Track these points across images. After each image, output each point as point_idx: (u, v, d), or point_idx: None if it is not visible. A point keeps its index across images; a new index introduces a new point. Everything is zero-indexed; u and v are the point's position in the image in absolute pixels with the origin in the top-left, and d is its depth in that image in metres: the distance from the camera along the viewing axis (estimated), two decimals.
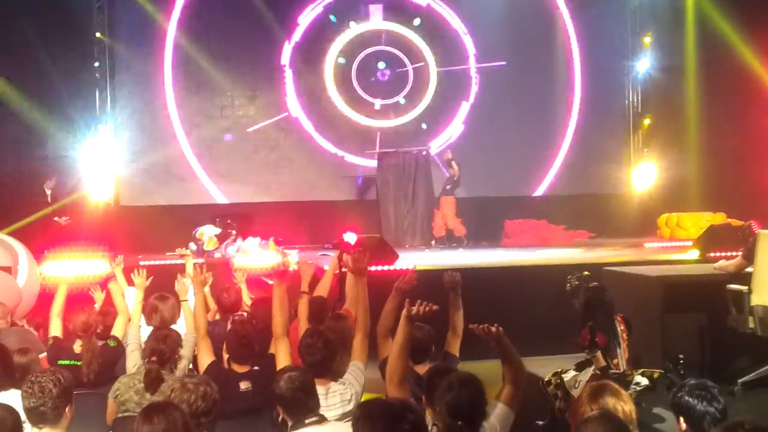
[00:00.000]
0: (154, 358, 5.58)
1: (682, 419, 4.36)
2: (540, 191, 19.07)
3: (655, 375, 6.76)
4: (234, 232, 15.03)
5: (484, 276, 12.36)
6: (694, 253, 12.96)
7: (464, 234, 17.03)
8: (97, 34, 17.12)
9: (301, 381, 4.57)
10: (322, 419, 4.57)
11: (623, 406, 4.17)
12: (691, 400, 4.32)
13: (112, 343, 6.51)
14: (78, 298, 7.43)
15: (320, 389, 4.88)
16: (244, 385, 5.63)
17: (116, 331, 6.68)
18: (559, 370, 6.99)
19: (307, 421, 4.50)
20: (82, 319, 6.45)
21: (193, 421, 3.89)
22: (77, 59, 16.71)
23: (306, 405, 4.55)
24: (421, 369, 5.76)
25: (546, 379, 6.95)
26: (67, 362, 6.16)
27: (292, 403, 4.55)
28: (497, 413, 4.52)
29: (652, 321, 7.98)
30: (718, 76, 17.42)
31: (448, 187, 17.23)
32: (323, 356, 5.22)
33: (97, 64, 17.24)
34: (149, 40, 17.57)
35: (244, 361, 5.80)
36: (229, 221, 15.42)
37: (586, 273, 8.80)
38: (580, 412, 4.22)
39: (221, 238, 14.93)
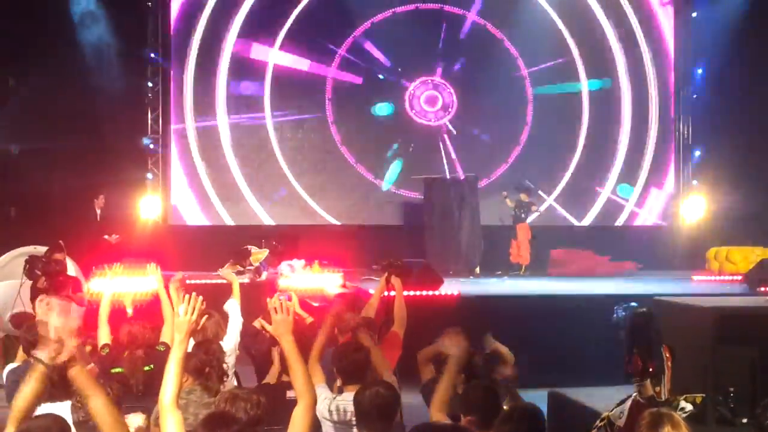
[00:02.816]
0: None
1: None
2: (587, 221, 18.91)
3: (698, 400, 6.64)
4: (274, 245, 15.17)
5: (531, 305, 12.32)
6: (744, 288, 12.78)
7: (527, 263, 16.96)
8: (151, 54, 17.33)
9: (384, 401, 4.56)
10: None
11: None
12: None
13: (161, 348, 6.50)
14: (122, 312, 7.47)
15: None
16: (291, 393, 5.61)
17: (165, 338, 6.69)
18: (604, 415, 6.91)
19: None
20: (127, 330, 6.48)
21: (249, 429, 3.88)
22: (130, 79, 16.94)
23: (376, 425, 4.54)
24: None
25: None
26: (117, 370, 6.18)
27: (365, 418, 4.56)
28: None
29: (702, 353, 7.82)
30: None
31: (523, 215, 17.17)
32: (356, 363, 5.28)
33: (150, 84, 17.45)
34: (202, 60, 17.77)
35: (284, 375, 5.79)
36: (274, 243, 15.49)
37: (633, 304, 8.69)
38: None
39: (237, 260, 15.06)
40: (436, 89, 18.85)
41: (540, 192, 17.34)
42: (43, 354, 3.68)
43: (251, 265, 15.02)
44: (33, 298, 9.60)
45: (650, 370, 6.61)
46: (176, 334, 4.18)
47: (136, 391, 6.18)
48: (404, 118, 18.75)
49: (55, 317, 3.70)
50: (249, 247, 15.29)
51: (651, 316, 7.14)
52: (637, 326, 6.93)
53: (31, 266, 9.83)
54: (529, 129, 18.85)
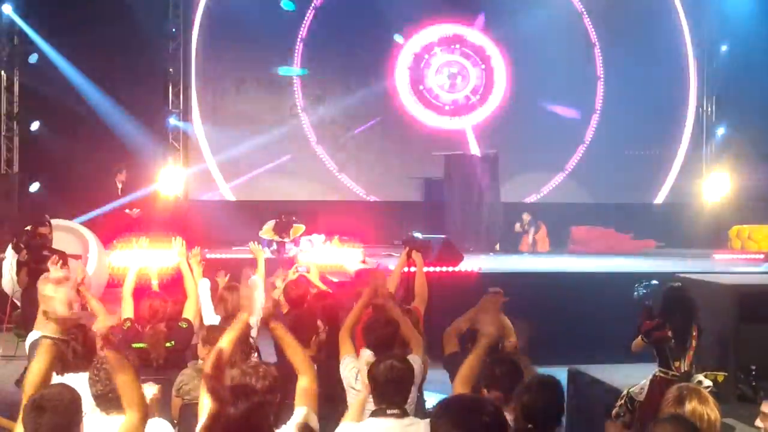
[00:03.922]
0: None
1: None
2: (607, 199, 18.81)
3: (720, 378, 6.63)
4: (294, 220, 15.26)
5: (551, 282, 12.30)
6: (766, 266, 12.71)
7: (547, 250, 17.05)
8: (173, 29, 17.32)
9: (399, 374, 4.58)
10: (404, 414, 4.55)
11: (709, 413, 4.05)
12: None
13: (183, 325, 6.53)
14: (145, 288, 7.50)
15: None
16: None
17: (187, 314, 6.72)
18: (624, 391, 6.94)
19: (388, 412, 4.51)
20: (148, 304, 6.51)
21: (267, 398, 3.90)
22: (152, 55, 16.93)
23: (393, 397, 4.55)
24: None
25: (614, 413, 6.88)
26: (139, 345, 6.22)
27: (381, 390, 4.57)
28: None
29: (725, 331, 7.80)
30: None
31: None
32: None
33: (171, 61, 17.45)
34: (221, 37, 17.73)
35: (306, 345, 5.81)
36: (282, 216, 15.53)
37: (654, 282, 8.67)
38: (662, 414, 4.10)
39: (278, 230, 15.13)
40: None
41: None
42: (48, 328, 3.76)
43: (289, 236, 15.12)
44: (18, 272, 9.74)
45: (657, 334, 6.61)
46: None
47: (156, 365, 6.23)
48: None
49: (51, 290, 3.78)
50: (294, 219, 15.42)
51: (684, 290, 7.14)
52: (670, 300, 6.91)
53: (17, 239, 9.96)
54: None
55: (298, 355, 4.27)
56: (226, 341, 4.23)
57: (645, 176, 18.88)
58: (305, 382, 4.20)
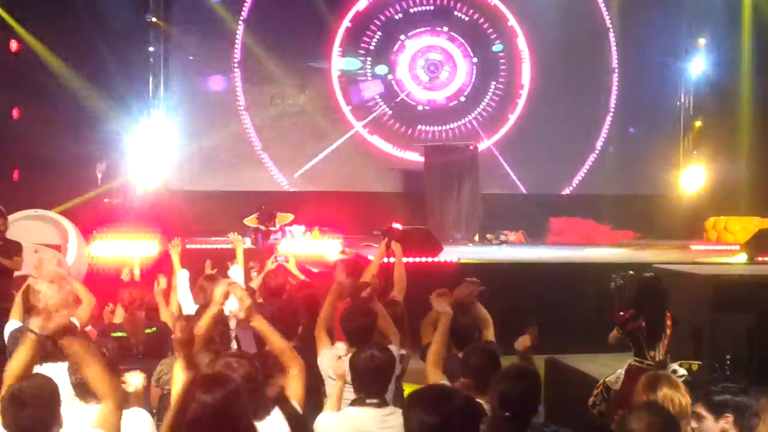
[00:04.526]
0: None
1: (731, 417, 4.25)
2: (582, 189, 18.92)
3: (694, 367, 6.74)
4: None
5: (529, 272, 12.37)
6: (742, 257, 12.84)
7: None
8: (153, 18, 17.25)
9: (379, 364, 4.63)
10: (383, 403, 4.60)
11: (680, 398, 4.15)
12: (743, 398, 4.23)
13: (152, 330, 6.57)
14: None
15: None
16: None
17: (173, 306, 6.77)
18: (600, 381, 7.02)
19: (368, 401, 4.56)
20: (127, 292, 6.55)
21: (246, 386, 3.92)
22: (132, 43, 16.87)
23: (373, 387, 4.61)
24: None
25: (591, 402, 6.96)
26: (119, 334, 6.25)
27: (361, 379, 4.62)
28: None
29: (700, 320, 7.91)
30: None
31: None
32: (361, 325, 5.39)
33: (151, 48, 17.40)
34: (204, 24, 17.68)
35: (288, 338, 5.84)
36: (263, 206, 15.54)
37: (631, 273, 8.77)
38: (634, 401, 4.18)
39: (261, 220, 15.16)
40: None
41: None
42: (34, 323, 3.74)
43: (274, 226, 15.12)
44: None
45: (632, 326, 6.70)
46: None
47: (136, 352, 6.26)
48: None
49: (45, 287, 3.76)
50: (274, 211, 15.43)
51: (658, 280, 7.24)
52: (643, 291, 7.00)
53: None
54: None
55: (281, 350, 4.30)
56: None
57: (624, 168, 18.97)
58: (294, 374, 4.22)
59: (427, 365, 5.02)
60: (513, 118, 18.89)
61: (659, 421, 3.53)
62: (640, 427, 3.48)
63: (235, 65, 18.10)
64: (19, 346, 3.84)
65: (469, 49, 18.87)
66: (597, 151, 19.17)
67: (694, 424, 4.15)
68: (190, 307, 7.14)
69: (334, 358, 5.43)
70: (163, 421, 3.87)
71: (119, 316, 6.69)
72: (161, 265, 7.44)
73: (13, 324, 6.02)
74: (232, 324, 6.57)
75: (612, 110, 19.21)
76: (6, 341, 5.88)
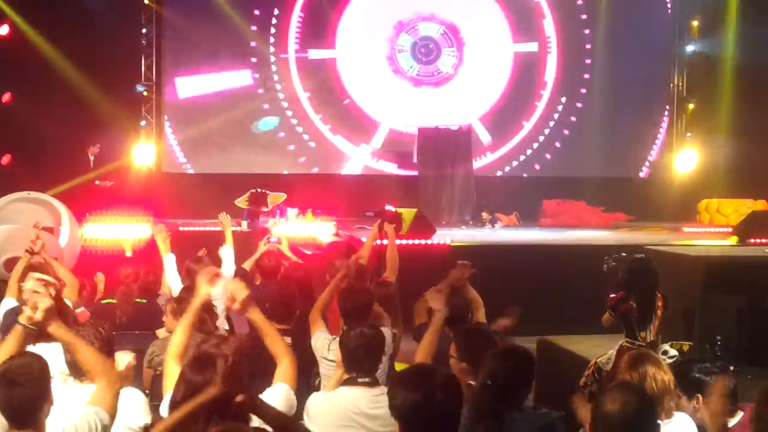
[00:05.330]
0: None
1: (700, 396, 4.30)
2: (579, 172, 18.91)
3: (685, 347, 6.78)
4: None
5: (522, 254, 12.39)
6: (734, 239, 12.87)
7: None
8: (145, 0, 17.18)
9: (369, 341, 4.66)
10: (375, 383, 4.62)
11: (663, 375, 4.19)
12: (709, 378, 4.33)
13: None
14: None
15: None
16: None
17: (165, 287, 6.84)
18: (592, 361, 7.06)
19: (359, 380, 4.60)
20: (123, 270, 6.62)
21: (234, 369, 3.92)
22: (124, 25, 16.81)
23: (363, 365, 4.65)
24: None
25: (582, 383, 7.01)
26: (109, 300, 6.33)
27: (351, 357, 4.66)
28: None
29: (690, 301, 7.95)
30: (764, 62, 17.17)
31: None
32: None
33: (144, 30, 17.33)
34: (194, 8, 17.60)
35: (283, 320, 5.86)
36: (256, 190, 15.49)
37: (623, 254, 8.81)
38: (618, 379, 4.22)
39: (253, 201, 15.12)
40: None
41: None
42: (22, 316, 3.77)
43: (267, 207, 15.06)
44: None
45: (623, 307, 6.73)
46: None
47: (119, 322, 6.30)
48: None
49: (31, 283, 3.78)
50: (265, 191, 15.35)
51: (648, 261, 7.27)
52: (634, 271, 7.03)
53: None
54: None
55: (276, 343, 4.25)
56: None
57: (617, 150, 18.96)
58: (285, 366, 4.22)
59: (417, 356, 5.01)
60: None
61: (633, 401, 3.52)
62: (613, 408, 3.49)
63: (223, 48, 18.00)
64: (8, 336, 3.87)
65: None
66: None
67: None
68: (179, 290, 7.18)
69: (327, 339, 5.46)
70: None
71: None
72: (153, 247, 7.45)
73: (9, 302, 6.06)
74: (221, 305, 6.58)
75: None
76: (1, 319, 5.92)
